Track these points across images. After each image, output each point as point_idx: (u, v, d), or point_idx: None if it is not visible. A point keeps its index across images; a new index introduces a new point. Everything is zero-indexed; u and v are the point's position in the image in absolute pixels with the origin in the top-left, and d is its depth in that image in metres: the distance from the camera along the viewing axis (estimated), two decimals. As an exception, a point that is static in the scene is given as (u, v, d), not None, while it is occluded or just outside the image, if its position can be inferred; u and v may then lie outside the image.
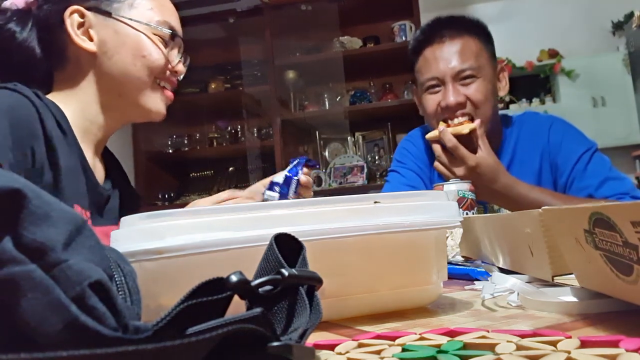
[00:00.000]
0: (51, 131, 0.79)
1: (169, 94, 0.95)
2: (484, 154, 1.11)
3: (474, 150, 1.12)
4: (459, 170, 1.12)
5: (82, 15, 0.87)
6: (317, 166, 0.95)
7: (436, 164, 1.17)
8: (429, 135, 1.18)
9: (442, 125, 1.16)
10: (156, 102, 0.93)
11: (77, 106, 0.88)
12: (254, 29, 3.10)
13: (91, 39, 0.88)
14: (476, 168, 1.10)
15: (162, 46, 0.91)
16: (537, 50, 4.80)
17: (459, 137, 1.12)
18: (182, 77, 0.98)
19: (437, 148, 1.16)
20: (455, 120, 1.17)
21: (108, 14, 0.88)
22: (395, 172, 1.37)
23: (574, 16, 4.72)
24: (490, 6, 4.75)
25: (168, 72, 0.93)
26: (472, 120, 1.17)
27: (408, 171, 1.35)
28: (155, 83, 0.92)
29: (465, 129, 1.12)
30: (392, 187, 1.35)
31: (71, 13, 0.87)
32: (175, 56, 0.94)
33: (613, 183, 1.17)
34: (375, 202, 0.43)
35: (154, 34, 0.91)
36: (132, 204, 1.00)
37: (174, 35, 0.93)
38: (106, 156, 0.99)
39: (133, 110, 0.92)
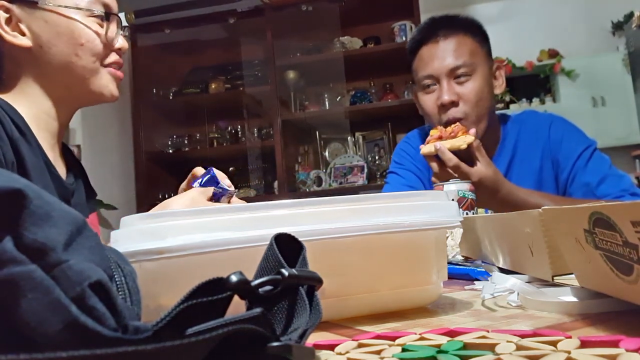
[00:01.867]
0: (10, 131, 0.76)
1: (118, 73, 0.91)
2: (483, 166, 1.09)
3: (470, 160, 1.10)
4: None
5: (6, 10, 0.82)
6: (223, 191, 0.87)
7: (434, 179, 1.14)
8: (423, 151, 1.14)
9: (436, 139, 1.12)
10: (107, 85, 0.89)
11: (28, 103, 0.85)
12: (255, 30, 3.10)
13: (23, 34, 0.82)
14: (479, 182, 1.07)
15: (98, 28, 0.86)
16: (537, 50, 4.80)
17: (456, 151, 1.09)
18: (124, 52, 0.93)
19: (434, 166, 1.13)
20: (448, 129, 1.13)
21: (33, 4, 0.82)
22: (394, 173, 1.37)
23: (574, 16, 4.71)
24: (490, 6, 4.75)
25: (111, 52, 0.89)
26: (465, 125, 1.15)
27: (407, 172, 1.35)
28: (101, 66, 0.88)
29: (463, 144, 1.09)
30: (391, 188, 1.35)
31: None
32: (114, 33, 0.89)
33: (613, 180, 1.17)
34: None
35: (88, 16, 0.85)
36: (92, 199, 1.00)
37: (108, 13, 0.88)
38: (64, 151, 0.96)
39: (84, 97, 0.89)
